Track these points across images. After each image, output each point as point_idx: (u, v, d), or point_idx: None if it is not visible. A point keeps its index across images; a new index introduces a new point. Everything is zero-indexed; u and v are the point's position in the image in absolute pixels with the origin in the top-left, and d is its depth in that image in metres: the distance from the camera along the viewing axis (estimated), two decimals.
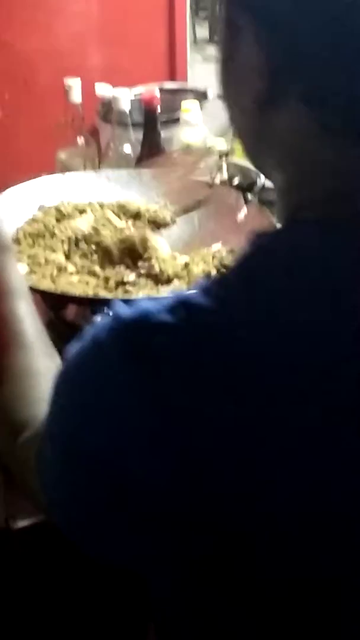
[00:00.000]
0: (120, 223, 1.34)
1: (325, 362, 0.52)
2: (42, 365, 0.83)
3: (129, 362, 0.54)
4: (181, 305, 0.54)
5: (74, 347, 0.60)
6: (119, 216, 1.37)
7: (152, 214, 1.39)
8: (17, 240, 1.29)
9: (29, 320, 0.87)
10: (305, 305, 0.53)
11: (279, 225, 0.62)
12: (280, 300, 0.53)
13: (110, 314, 0.57)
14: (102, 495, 0.57)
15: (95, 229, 1.30)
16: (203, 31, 4.81)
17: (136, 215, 1.38)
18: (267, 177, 0.65)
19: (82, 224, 1.32)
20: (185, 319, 0.54)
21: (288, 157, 0.59)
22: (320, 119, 0.55)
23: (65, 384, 0.60)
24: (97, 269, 1.24)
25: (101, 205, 1.39)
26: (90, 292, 1.18)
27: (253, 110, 0.58)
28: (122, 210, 1.38)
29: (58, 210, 1.37)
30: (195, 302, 0.54)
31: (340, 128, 0.55)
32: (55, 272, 1.23)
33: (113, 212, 1.37)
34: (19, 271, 0.93)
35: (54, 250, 1.28)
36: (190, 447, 0.52)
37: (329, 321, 0.52)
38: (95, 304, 1.22)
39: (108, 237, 1.28)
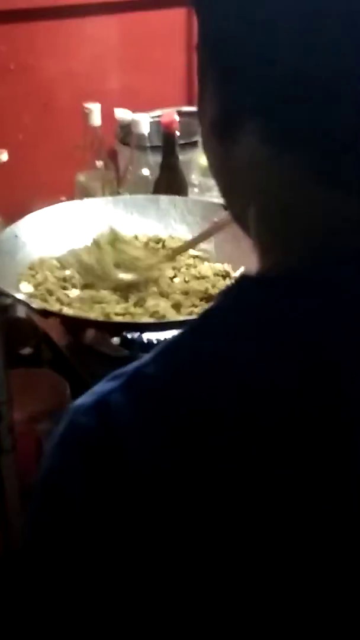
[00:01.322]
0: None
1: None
2: None
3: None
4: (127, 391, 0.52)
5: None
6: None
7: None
8: (33, 269, 1.32)
9: None
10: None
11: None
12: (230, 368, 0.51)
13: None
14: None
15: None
16: None
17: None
18: (238, 221, 0.59)
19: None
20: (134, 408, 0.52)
21: (252, 198, 0.55)
22: (277, 154, 0.51)
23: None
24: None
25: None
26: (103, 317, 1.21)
27: (212, 141, 0.55)
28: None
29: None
30: (142, 382, 0.53)
31: (297, 166, 0.51)
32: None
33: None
34: None
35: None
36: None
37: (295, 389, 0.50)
38: (111, 328, 1.24)
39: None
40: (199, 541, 0.49)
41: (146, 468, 0.50)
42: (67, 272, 1.31)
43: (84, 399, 0.54)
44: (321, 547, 0.49)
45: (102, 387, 0.54)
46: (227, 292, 0.55)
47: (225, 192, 0.59)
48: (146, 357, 0.54)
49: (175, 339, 0.54)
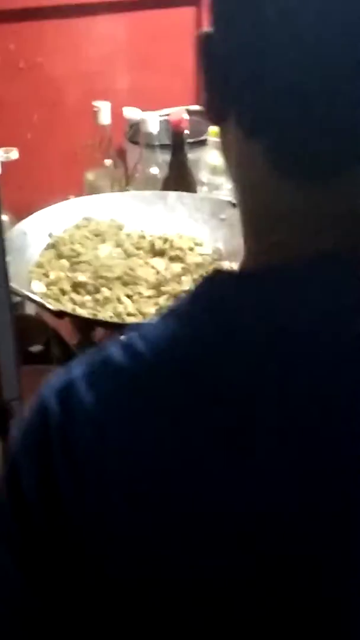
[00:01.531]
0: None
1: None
2: None
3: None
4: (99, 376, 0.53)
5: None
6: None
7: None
8: (40, 265, 1.32)
9: None
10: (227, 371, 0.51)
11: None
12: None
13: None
14: None
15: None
16: None
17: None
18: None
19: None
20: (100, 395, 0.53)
21: (236, 183, 0.56)
22: (246, 140, 0.52)
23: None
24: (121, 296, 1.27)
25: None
26: (115, 317, 1.21)
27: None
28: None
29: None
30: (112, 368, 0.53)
31: (262, 154, 0.51)
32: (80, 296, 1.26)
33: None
34: None
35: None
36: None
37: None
38: (120, 328, 1.24)
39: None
40: (179, 537, 0.49)
41: (99, 458, 0.51)
42: (79, 277, 1.32)
43: (58, 378, 0.55)
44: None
45: (74, 369, 0.55)
46: (197, 286, 0.55)
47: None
48: (116, 344, 0.55)
49: (144, 329, 0.55)
